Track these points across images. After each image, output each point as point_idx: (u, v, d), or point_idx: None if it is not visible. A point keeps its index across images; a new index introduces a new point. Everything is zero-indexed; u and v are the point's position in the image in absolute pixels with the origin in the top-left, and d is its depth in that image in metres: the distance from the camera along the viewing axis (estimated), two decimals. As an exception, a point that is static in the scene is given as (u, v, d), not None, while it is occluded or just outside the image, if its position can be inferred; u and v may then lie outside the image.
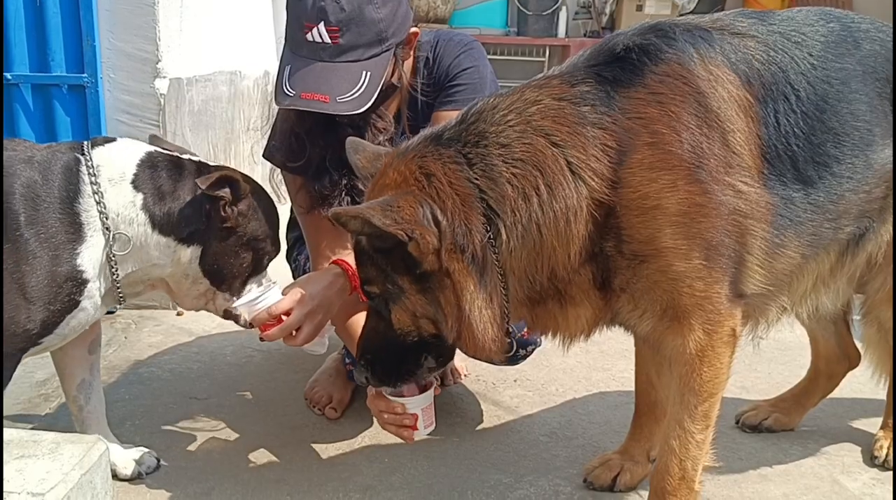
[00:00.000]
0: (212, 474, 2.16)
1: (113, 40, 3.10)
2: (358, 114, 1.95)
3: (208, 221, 1.87)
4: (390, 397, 1.94)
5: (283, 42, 2.09)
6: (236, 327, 2.03)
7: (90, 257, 1.79)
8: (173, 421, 2.43)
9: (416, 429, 1.97)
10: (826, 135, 1.70)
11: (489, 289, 1.60)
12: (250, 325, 2.01)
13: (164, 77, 3.17)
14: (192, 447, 2.30)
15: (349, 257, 1.93)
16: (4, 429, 1.70)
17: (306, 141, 2.15)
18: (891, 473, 2.18)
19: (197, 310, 2.06)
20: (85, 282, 1.79)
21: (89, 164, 1.81)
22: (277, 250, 2.04)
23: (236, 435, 2.37)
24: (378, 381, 1.84)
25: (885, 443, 2.24)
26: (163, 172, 1.86)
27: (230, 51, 4.03)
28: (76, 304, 1.80)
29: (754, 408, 2.46)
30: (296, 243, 2.63)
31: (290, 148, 2.20)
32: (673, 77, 1.61)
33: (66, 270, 1.76)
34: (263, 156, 2.38)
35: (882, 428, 2.30)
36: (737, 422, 2.44)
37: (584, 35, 7.66)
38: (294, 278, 2.59)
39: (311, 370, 2.66)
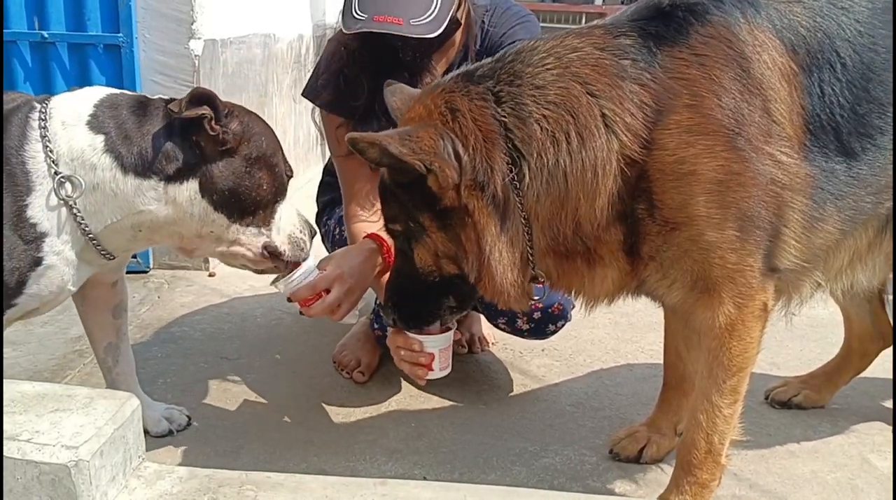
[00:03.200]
0: (241, 433, 2.20)
1: (148, 0, 3.10)
2: (432, 37, 1.93)
3: (200, 149, 1.69)
4: (409, 334, 1.92)
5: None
6: (267, 290, 2.02)
7: (41, 207, 1.65)
8: (204, 380, 2.47)
9: (432, 369, 1.95)
10: (871, 105, 1.65)
11: (511, 232, 1.58)
12: (289, 299, 1.98)
13: (199, 38, 3.17)
14: (222, 407, 2.33)
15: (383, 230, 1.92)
16: (40, 383, 1.73)
17: (356, 84, 2.12)
18: (922, 453, 2.15)
19: (226, 262, 1.88)
20: (41, 235, 1.66)
21: (42, 109, 1.69)
22: (290, 169, 1.86)
23: (266, 396, 2.41)
24: (404, 322, 1.86)
25: (918, 423, 2.21)
26: (125, 111, 1.70)
27: (265, 13, 4.02)
28: (38, 260, 1.67)
29: (784, 384, 2.43)
30: (325, 208, 2.64)
31: (338, 89, 2.18)
32: (718, 40, 1.57)
33: (17, 221, 1.64)
34: (303, 94, 2.37)
35: (915, 408, 2.27)
36: (766, 398, 2.42)
37: (622, 3, 7.55)
38: (323, 240, 2.59)
39: (339, 334, 2.68)
